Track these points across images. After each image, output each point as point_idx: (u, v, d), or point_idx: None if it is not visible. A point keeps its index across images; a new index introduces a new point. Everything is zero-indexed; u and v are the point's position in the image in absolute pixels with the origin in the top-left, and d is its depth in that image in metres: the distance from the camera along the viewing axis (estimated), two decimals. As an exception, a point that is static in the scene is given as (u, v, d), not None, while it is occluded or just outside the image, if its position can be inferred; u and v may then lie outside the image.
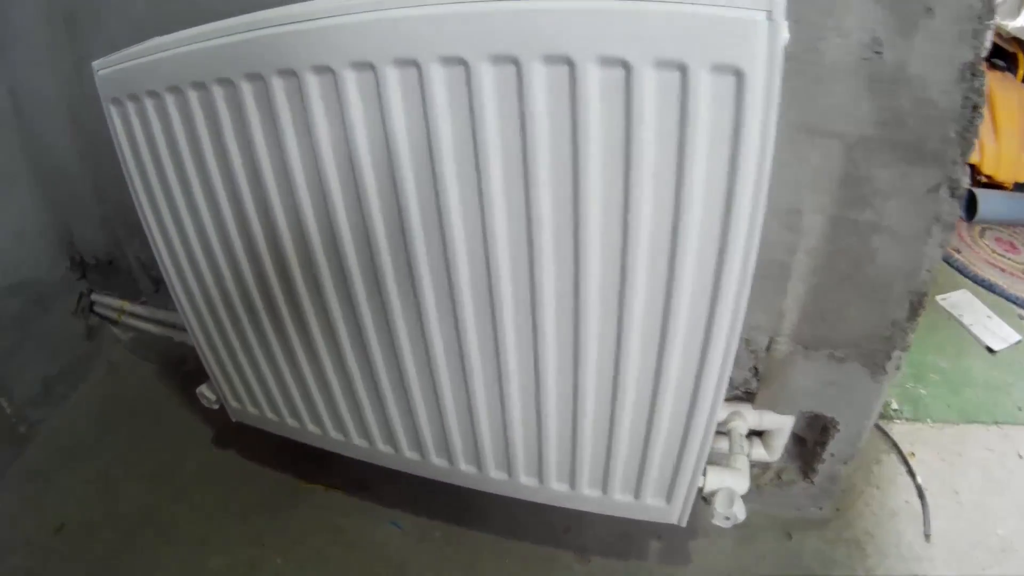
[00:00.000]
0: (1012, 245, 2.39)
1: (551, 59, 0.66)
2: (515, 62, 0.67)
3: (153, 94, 0.89)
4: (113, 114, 0.96)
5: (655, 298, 0.79)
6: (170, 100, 0.88)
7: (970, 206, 2.49)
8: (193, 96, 0.85)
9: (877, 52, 0.87)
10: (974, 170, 2.53)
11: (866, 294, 1.02)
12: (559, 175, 0.72)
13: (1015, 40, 2.59)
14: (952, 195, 0.94)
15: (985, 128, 2.47)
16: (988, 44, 0.86)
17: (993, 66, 2.63)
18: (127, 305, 1.65)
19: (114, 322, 1.71)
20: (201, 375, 1.25)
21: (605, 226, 0.75)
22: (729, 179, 0.69)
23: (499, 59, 0.67)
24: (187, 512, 1.35)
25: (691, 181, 0.69)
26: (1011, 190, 2.56)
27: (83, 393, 1.66)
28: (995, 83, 2.51)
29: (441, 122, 0.73)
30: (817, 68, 0.88)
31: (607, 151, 0.70)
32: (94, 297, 1.71)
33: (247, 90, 0.81)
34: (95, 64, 0.94)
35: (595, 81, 0.66)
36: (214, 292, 1.05)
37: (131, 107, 0.93)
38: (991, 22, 0.84)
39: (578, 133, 0.69)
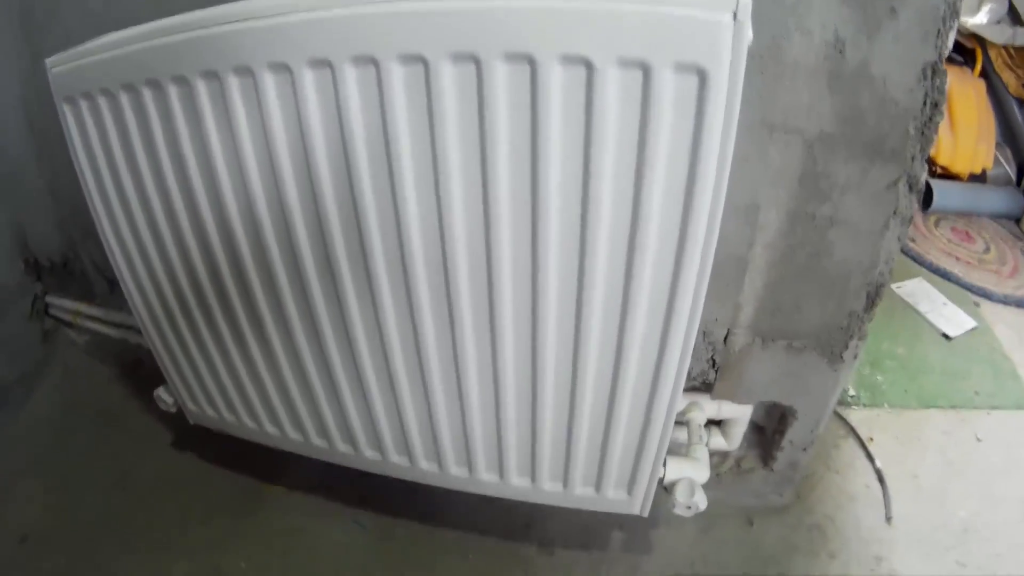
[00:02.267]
0: (967, 235, 2.43)
1: (512, 57, 0.65)
2: (475, 60, 0.66)
3: (107, 92, 0.87)
4: (67, 113, 0.93)
5: (613, 293, 0.79)
6: (125, 99, 0.86)
7: (926, 197, 2.53)
8: (148, 94, 0.83)
9: (840, 51, 0.87)
10: (930, 161, 2.56)
11: (824, 287, 1.04)
12: (518, 171, 0.72)
13: (974, 36, 2.63)
14: (911, 190, 0.95)
15: (942, 121, 2.51)
16: (951, 44, 0.87)
17: (951, 60, 2.68)
18: (82, 307, 1.61)
19: (69, 325, 1.67)
20: (158, 378, 1.23)
21: (564, 222, 0.74)
22: (689, 177, 0.69)
23: (459, 57, 0.67)
24: (149, 518, 1.33)
25: (651, 179, 0.69)
26: (966, 181, 2.62)
27: (40, 398, 1.61)
28: (953, 77, 2.56)
29: (399, 119, 0.72)
30: (779, 66, 0.89)
31: (567, 148, 0.70)
32: (49, 299, 1.67)
33: (203, 88, 0.79)
34: (49, 61, 0.91)
35: (557, 79, 0.66)
36: (169, 293, 1.03)
37: (85, 105, 0.91)
38: (955, 23, 0.86)
39: (538, 130, 0.69)
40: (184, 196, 0.90)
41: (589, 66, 0.64)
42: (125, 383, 1.63)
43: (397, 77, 0.69)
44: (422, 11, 0.66)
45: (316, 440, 1.11)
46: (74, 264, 1.58)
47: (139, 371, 1.62)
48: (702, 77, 0.64)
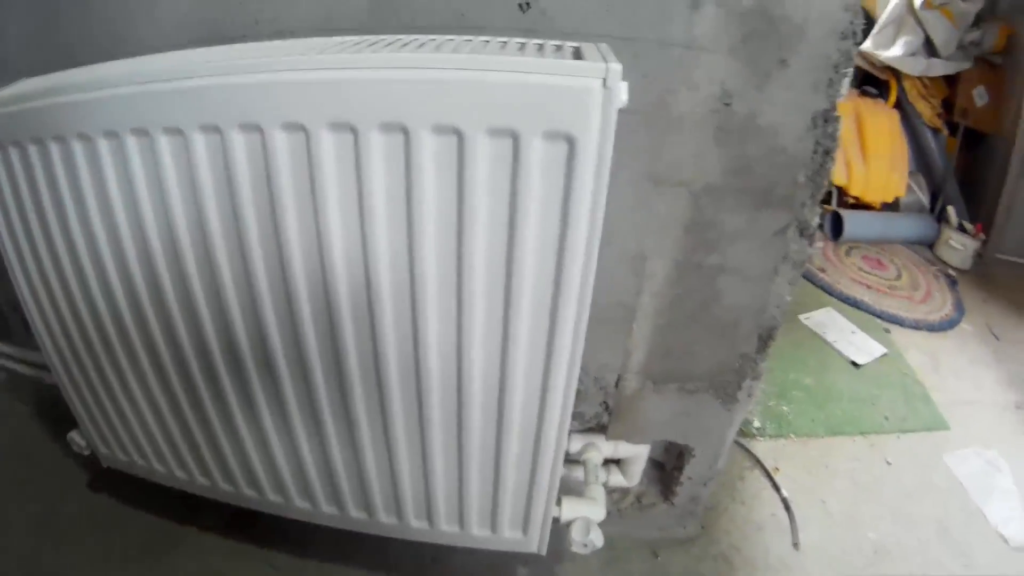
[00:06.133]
0: (879, 262, 2.51)
1: (387, 127, 0.69)
2: (352, 130, 0.69)
3: (17, 144, 0.88)
4: (-23, 159, 0.93)
5: (492, 345, 0.82)
6: (33, 151, 0.87)
7: (837, 226, 2.60)
8: (55, 149, 0.85)
9: (727, 104, 0.90)
10: (842, 191, 2.66)
11: (714, 331, 1.07)
12: (395, 232, 0.75)
13: (889, 68, 2.74)
14: (801, 235, 0.98)
15: (854, 152, 2.61)
16: (844, 91, 0.91)
17: (865, 93, 2.79)
18: (-3, 345, 1.60)
19: (-17, 362, 1.65)
20: (73, 418, 1.23)
21: (440, 278, 0.78)
22: (560, 236, 0.72)
23: (337, 126, 0.70)
24: (68, 559, 1.30)
25: (523, 239, 0.73)
26: (879, 210, 2.71)
27: (-47, 434, 1.59)
28: (866, 109, 2.67)
29: (284, 181, 0.75)
30: (665, 121, 0.91)
31: (441, 212, 0.73)
32: (-38, 336, 1.65)
33: (104, 147, 0.81)
34: (-39, 110, 0.92)
35: (429, 148, 0.69)
36: (76, 338, 1.04)
37: None
38: (848, 70, 0.89)
39: (413, 196, 0.72)
40: (89, 247, 0.91)
41: (460, 135, 0.68)
42: (42, 422, 1.60)
43: (281, 144, 0.72)
44: (303, 81, 0.69)
45: (223, 485, 1.12)
46: (-13, 302, 1.56)
47: (56, 410, 1.59)
48: (571, 143, 0.67)
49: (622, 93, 0.66)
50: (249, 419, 0.99)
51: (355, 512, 1.06)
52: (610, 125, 0.67)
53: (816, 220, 0.98)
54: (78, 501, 1.43)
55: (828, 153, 0.94)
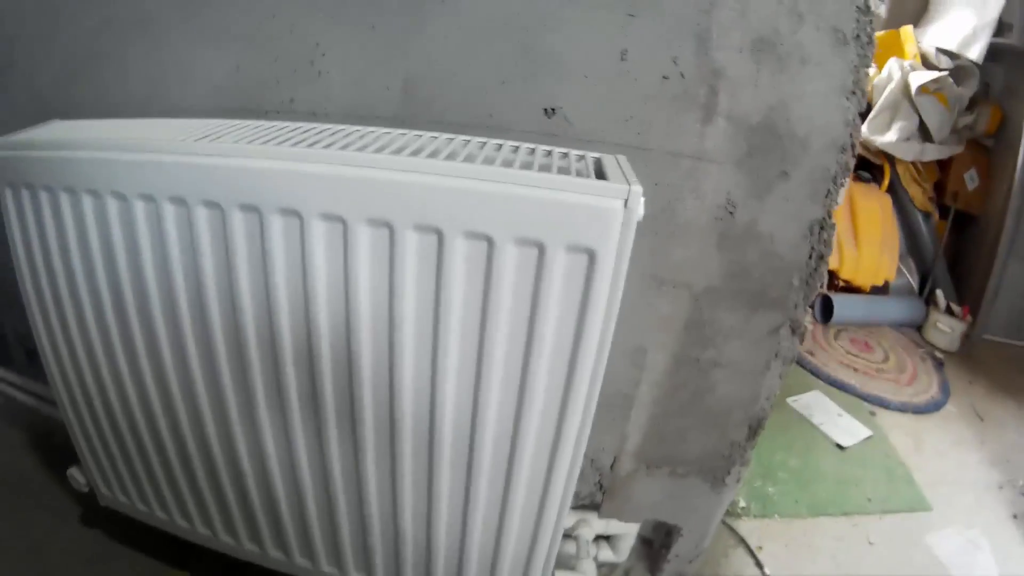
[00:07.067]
0: (866, 345, 2.55)
1: (423, 228, 0.73)
2: (389, 227, 0.74)
3: (49, 189, 0.91)
4: (8, 197, 0.96)
5: (504, 431, 0.85)
6: (64, 199, 0.90)
7: (826, 309, 2.64)
8: (87, 201, 0.88)
9: (730, 212, 0.95)
10: (833, 275, 2.70)
11: (706, 420, 1.10)
12: (422, 322, 0.79)
13: (882, 153, 2.78)
14: (793, 334, 1.03)
15: (846, 236, 2.65)
16: (841, 199, 0.95)
17: (858, 177, 2.84)
18: (-1, 371, 1.61)
19: (-18, 387, 1.66)
20: (70, 450, 1.23)
21: (461, 369, 0.82)
22: (576, 336, 0.77)
23: (375, 222, 0.74)
24: (54, 593, 1.31)
25: (541, 339, 0.77)
26: (869, 292, 2.75)
27: (-53, 458, 1.59)
28: (859, 193, 2.71)
29: (318, 267, 0.79)
30: (671, 226, 0.96)
31: (467, 308, 0.77)
32: (-37, 359, 1.66)
33: (140, 207, 0.85)
34: (-6, 145, 0.95)
35: (461, 251, 0.73)
36: (89, 380, 1.06)
37: (26, 195, 0.94)
38: (845, 181, 0.94)
39: (441, 292, 0.76)
40: (112, 296, 0.94)
41: (490, 242, 0.72)
42: (37, 452, 1.61)
43: (319, 231, 0.77)
44: (348, 177, 0.74)
45: (224, 537, 1.14)
46: (-7, 329, 1.58)
47: (51, 441, 1.60)
48: (591, 256, 0.72)
49: (640, 210, 0.71)
50: (258, 472, 1.01)
51: (355, 573, 1.07)
52: (628, 241, 0.72)
53: (808, 319, 1.02)
54: (70, 534, 1.43)
55: (822, 258, 0.99)
